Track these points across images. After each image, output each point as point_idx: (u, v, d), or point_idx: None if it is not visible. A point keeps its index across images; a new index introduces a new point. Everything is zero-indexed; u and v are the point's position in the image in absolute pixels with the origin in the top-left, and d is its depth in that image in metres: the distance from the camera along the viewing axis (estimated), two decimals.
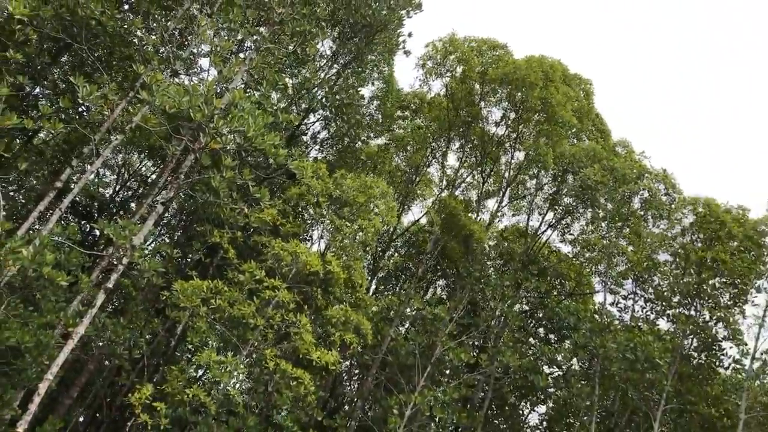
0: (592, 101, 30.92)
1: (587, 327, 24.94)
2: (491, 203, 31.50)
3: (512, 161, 30.06)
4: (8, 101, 12.14)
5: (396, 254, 31.12)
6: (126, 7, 19.75)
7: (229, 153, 14.44)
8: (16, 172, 19.71)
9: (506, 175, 30.00)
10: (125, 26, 17.38)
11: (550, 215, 30.30)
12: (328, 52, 24.60)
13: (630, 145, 30.50)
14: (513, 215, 32.18)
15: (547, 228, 30.40)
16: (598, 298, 30.69)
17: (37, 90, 19.11)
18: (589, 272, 30.55)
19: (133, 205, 25.75)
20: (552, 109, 26.58)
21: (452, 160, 37.10)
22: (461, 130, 29.09)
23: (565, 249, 31.03)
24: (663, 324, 27.17)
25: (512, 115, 28.70)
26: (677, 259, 26.40)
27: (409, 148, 30.00)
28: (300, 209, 20.42)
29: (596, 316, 27.37)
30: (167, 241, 23.21)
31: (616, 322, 27.08)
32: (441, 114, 28.98)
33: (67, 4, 15.85)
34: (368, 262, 28.53)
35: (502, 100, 28.42)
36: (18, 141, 19.71)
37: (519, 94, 26.94)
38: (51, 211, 18.68)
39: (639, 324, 26.96)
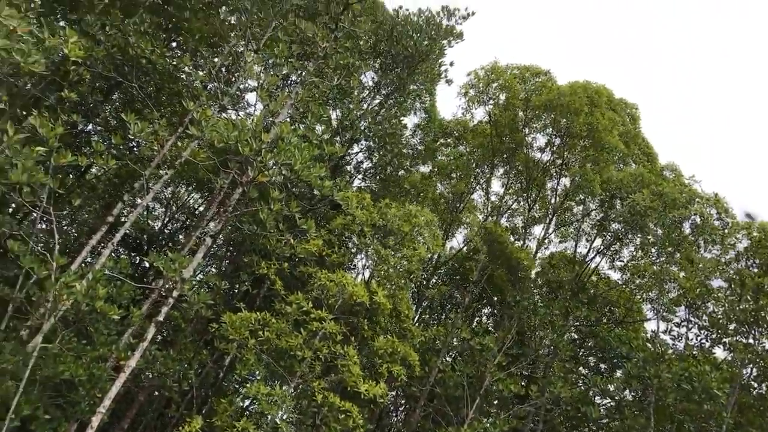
0: (638, 125, 30.47)
1: (640, 356, 24.22)
2: (537, 230, 31.11)
3: (558, 187, 29.74)
4: (62, 139, 12.48)
5: (440, 282, 30.88)
6: (174, 44, 20.35)
7: (275, 185, 14.60)
8: (70, 207, 20.24)
9: (552, 201, 29.64)
10: (174, 63, 17.87)
11: (598, 241, 29.76)
12: (371, 84, 24.85)
13: (678, 169, 29.88)
14: (560, 242, 31.73)
15: (596, 255, 29.85)
16: (650, 326, 29.90)
17: (90, 127, 19.73)
18: (639, 299, 29.80)
19: (181, 237, 26.19)
20: (598, 135, 26.26)
21: (496, 186, 36.96)
22: (505, 156, 28.94)
23: (615, 276, 30.40)
24: (719, 352, 26.28)
25: (557, 141, 28.45)
26: (732, 286, 25.57)
27: (452, 175, 29.94)
28: (344, 239, 20.47)
29: (649, 345, 26.61)
30: (215, 272, 23.49)
31: (670, 350, 26.26)
32: (484, 141, 28.91)
33: (118, 44, 16.39)
34: (413, 291, 28.38)
35: (547, 127, 28.23)
36: (71, 177, 20.33)
37: (563, 120, 26.72)
38: (103, 245, 19.11)
39: (694, 353, 26.08)
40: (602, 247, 29.75)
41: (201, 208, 27.79)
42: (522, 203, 30.49)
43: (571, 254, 30.17)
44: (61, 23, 18.93)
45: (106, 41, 16.23)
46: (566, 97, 25.84)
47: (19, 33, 8.88)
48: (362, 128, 23.73)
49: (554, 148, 28.91)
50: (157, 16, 18.63)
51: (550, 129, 28.41)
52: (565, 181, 29.72)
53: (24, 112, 16.64)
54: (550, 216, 29.62)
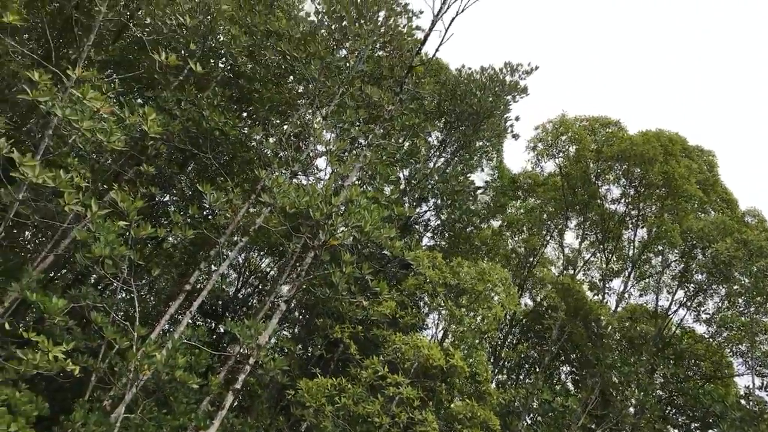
0: (716, 172, 29.41)
1: (737, 415, 22.68)
2: (615, 283, 30.08)
3: (635, 238, 28.80)
4: (141, 211, 12.90)
5: (516, 341, 30.03)
6: (245, 114, 21.06)
7: (347, 248, 14.64)
8: (149, 276, 20.83)
9: (629, 253, 28.68)
10: (245, 133, 18.42)
11: (680, 293, 28.48)
12: (437, 142, 24.97)
13: (761, 214, 28.54)
14: (640, 295, 30.51)
15: (679, 307, 28.50)
16: (743, 381, 28.08)
17: (167, 198, 20.42)
18: (729, 353, 28.15)
19: (254, 301, 26.49)
20: (675, 183, 25.46)
21: (570, 238, 36.15)
22: (578, 209, 28.35)
23: (700, 329, 28.88)
24: None
25: (631, 192, 27.73)
26: None
27: (524, 229, 29.48)
28: (417, 299, 20.23)
29: (743, 402, 24.97)
30: (288, 336, 23.53)
31: None
32: (556, 194, 28.46)
33: (193, 118, 17.03)
34: (488, 351, 27.68)
35: (620, 177, 27.60)
36: (149, 246, 20.97)
37: (637, 170, 26.08)
38: (181, 313, 19.49)
39: None
40: (685, 299, 28.43)
41: (272, 272, 28.13)
42: (598, 256, 29.61)
43: (653, 307, 28.92)
44: (139, 100, 19.91)
45: (181, 115, 16.90)
46: (639, 146, 25.28)
47: (103, 113, 9.27)
48: (430, 187, 23.72)
49: (629, 198, 28.14)
50: (228, 88, 19.36)
51: (624, 179, 27.73)
52: (642, 232, 28.80)
53: (105, 186, 17.41)
54: (628, 268, 28.60)
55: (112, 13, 15.01)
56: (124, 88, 17.98)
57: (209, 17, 15.04)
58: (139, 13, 18.21)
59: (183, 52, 17.67)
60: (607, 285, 29.64)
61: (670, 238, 25.77)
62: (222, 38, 17.66)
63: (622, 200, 28.43)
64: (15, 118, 18.52)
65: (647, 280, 29.94)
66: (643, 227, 28.80)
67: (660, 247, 28.00)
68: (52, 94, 8.96)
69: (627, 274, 28.73)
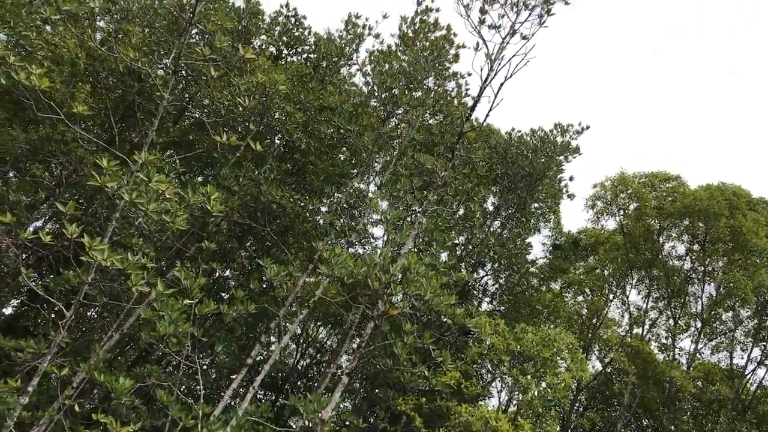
0: None
1: None
2: (685, 343, 28.83)
3: (702, 295, 27.71)
4: (203, 286, 13.07)
5: (585, 407, 28.84)
6: (300, 186, 21.42)
7: (407, 317, 14.44)
8: (211, 351, 20.98)
9: (697, 310, 27.55)
10: (302, 205, 18.69)
11: (756, 351, 27.07)
12: (491, 207, 24.85)
13: None
14: (712, 353, 29.08)
15: (757, 366, 27.02)
16: None
17: (227, 272, 20.71)
18: None
19: (313, 372, 26.29)
20: (742, 238, 24.58)
21: (634, 296, 35.09)
22: (641, 266, 27.55)
23: None
24: None
25: (696, 247, 26.86)
26: None
27: (586, 290, 28.73)
28: (479, 367, 19.74)
29: None
30: (350, 408, 23.17)
31: None
32: (618, 254, 27.78)
33: (251, 193, 17.40)
34: (557, 419, 26.61)
35: (684, 233, 26.83)
36: (211, 320, 21.18)
37: (702, 225, 25.34)
38: (243, 387, 19.45)
39: None
40: (762, 357, 26.97)
41: (330, 342, 27.98)
42: (664, 313, 28.52)
43: (727, 367, 27.50)
44: (199, 178, 20.51)
45: (239, 191, 17.29)
46: (703, 201, 24.64)
47: (167, 195, 9.52)
48: (486, 251, 23.48)
49: (694, 254, 27.24)
50: (284, 161, 19.81)
51: (688, 235, 26.94)
52: (710, 288, 27.71)
53: (167, 263, 17.78)
54: (697, 326, 27.41)
55: (172, 97, 15.61)
56: (184, 167, 18.58)
57: (265, 97, 15.52)
58: (198, 95, 18.97)
59: (240, 129, 18.26)
60: (676, 344, 28.43)
61: (741, 295, 24.68)
62: (278, 115, 18.18)
63: (687, 256, 27.53)
64: (81, 200, 19.29)
65: (719, 338, 28.60)
66: (710, 283, 27.72)
67: (731, 304, 26.81)
68: (119, 179, 9.27)
69: (696, 332, 27.53)
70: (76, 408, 10.61)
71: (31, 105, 10.54)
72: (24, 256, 16.29)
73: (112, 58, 17.02)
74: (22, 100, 11.86)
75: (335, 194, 20.42)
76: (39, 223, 20.02)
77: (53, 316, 17.34)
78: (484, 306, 27.32)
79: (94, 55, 17.45)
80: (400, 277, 13.96)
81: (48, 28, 16.49)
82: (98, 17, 18.15)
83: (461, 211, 22.19)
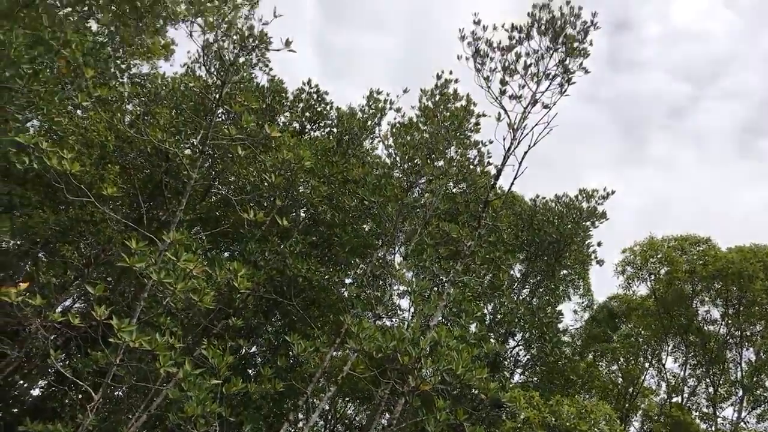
0: None
1: None
2: (729, 412, 27.68)
3: (741, 361, 26.78)
4: (230, 365, 12.90)
5: None
6: (326, 258, 21.39)
7: (438, 392, 14.06)
8: (238, 431, 20.50)
9: (738, 377, 26.56)
10: (327, 277, 18.62)
11: None
12: (518, 275, 24.56)
13: None
14: (757, 422, 27.81)
15: None
16: None
17: (254, 348, 20.50)
18: None
19: None
20: None
21: (670, 363, 34.03)
22: (677, 332, 26.83)
23: None
24: None
25: (731, 311, 26.15)
26: None
27: (620, 358, 27.93)
28: None
29: None
30: None
31: None
32: (651, 320, 27.12)
33: (277, 267, 17.40)
34: None
35: (718, 297, 26.18)
36: (237, 398, 20.82)
37: (736, 288, 24.75)
38: None
39: None
40: None
41: (359, 418, 27.33)
42: (703, 380, 27.53)
43: None
44: (225, 254, 20.59)
45: (265, 265, 17.30)
46: (737, 264, 24.16)
47: (196, 274, 9.51)
48: (516, 320, 23.07)
49: (729, 318, 26.50)
50: (309, 235, 19.86)
51: (722, 299, 26.28)
52: (749, 354, 26.79)
53: (193, 341, 17.65)
54: (738, 394, 26.37)
55: (199, 176, 15.87)
56: (210, 243, 18.69)
57: (290, 172, 15.70)
58: (224, 172, 19.28)
59: (266, 204, 18.42)
60: (718, 413, 27.28)
61: None
62: (302, 189, 18.36)
63: (723, 321, 26.77)
64: (109, 279, 19.42)
65: (764, 405, 27.42)
66: (748, 348, 26.83)
67: None
68: (147, 260, 9.30)
69: (739, 400, 26.45)
70: None
71: (62, 188, 10.73)
72: (52, 337, 16.30)
73: (141, 140, 17.44)
74: (54, 183, 12.11)
75: (360, 266, 20.35)
76: (67, 303, 20.13)
77: (81, 397, 17.20)
78: (516, 377, 26.65)
79: (123, 137, 17.92)
80: (429, 350, 13.68)
81: (78, 112, 17.03)
82: (127, 100, 18.73)
83: (488, 280, 21.92)
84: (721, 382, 27.66)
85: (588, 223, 23.30)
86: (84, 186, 11.26)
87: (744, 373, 26.42)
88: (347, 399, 27.00)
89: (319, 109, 21.62)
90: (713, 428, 25.79)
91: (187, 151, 18.32)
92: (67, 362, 18.27)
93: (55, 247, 18.20)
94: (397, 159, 18.91)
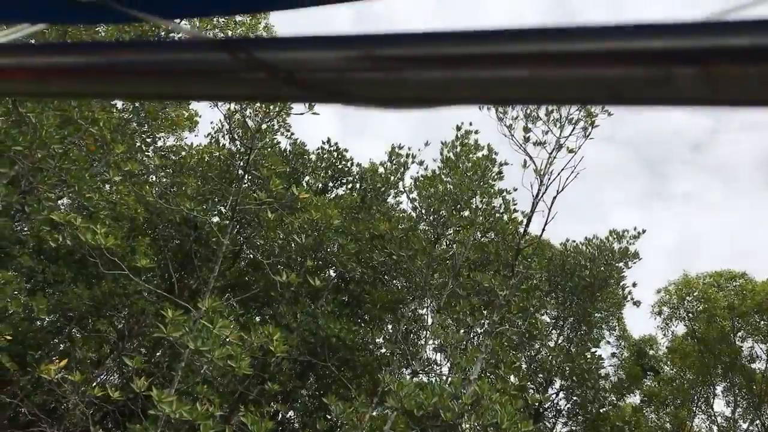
0: None
1: None
2: None
3: None
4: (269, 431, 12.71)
5: None
6: (357, 317, 21.24)
7: None
8: None
9: None
10: (360, 336, 18.44)
11: None
12: (551, 320, 24.15)
13: None
14: None
15: None
16: None
17: (291, 413, 20.21)
18: None
19: None
20: None
21: (719, 406, 32.93)
22: (721, 372, 26.02)
23: None
24: None
25: None
26: None
27: (667, 402, 27.07)
28: None
29: None
30: None
31: None
32: (695, 360, 26.37)
33: (309, 329, 17.30)
34: None
35: (761, 332, 25.44)
36: None
37: None
38: None
39: None
40: None
41: None
42: (755, 422, 26.50)
43: None
44: (257, 318, 20.54)
45: (297, 327, 17.21)
46: None
47: (231, 340, 9.47)
48: (555, 368, 22.57)
49: None
50: (339, 293, 19.79)
51: (765, 334, 25.53)
52: None
53: (230, 408, 17.46)
54: None
55: (229, 242, 15.97)
56: (241, 308, 18.69)
57: (317, 232, 15.77)
58: (253, 236, 19.40)
59: (293, 266, 18.44)
60: None
61: None
62: (329, 249, 18.37)
63: None
64: (144, 350, 19.41)
65: None
66: None
67: None
68: (183, 328, 9.29)
69: None
70: None
71: (96, 262, 10.85)
72: (90, 412, 16.23)
73: (169, 210, 17.69)
74: (87, 258, 12.25)
75: (393, 322, 20.16)
76: (103, 376, 20.11)
77: None
78: (559, 427, 25.91)
79: (152, 208, 18.18)
80: (471, 404, 13.37)
81: (107, 187, 17.39)
82: (154, 173, 19.08)
83: (524, 328, 21.56)
84: None
85: (621, 264, 22.91)
86: (116, 259, 11.38)
87: None
88: None
89: (340, 166, 21.81)
90: None
91: (215, 219, 18.50)
92: None
93: (89, 322, 18.31)
94: (423, 212, 18.93)
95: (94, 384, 15.61)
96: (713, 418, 27.32)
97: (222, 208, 18.83)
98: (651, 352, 28.43)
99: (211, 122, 24.14)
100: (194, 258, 18.94)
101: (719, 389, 27.17)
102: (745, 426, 26.83)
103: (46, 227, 11.77)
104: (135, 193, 17.21)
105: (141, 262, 10.55)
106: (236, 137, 18.20)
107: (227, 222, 12.95)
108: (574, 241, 23.30)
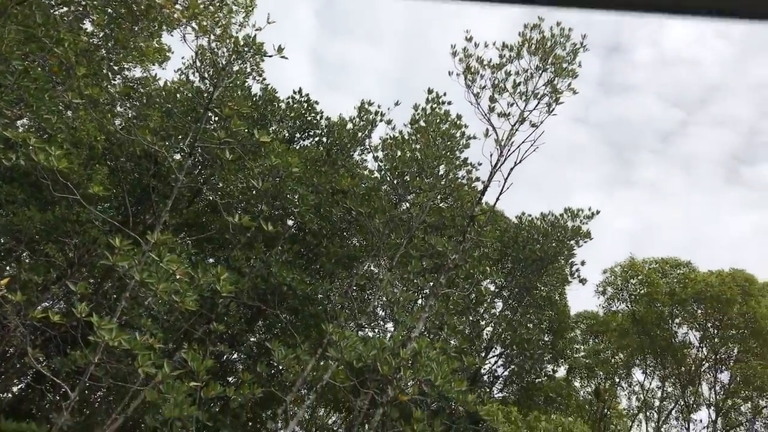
0: None
1: None
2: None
3: (715, 383, 26.99)
4: (209, 369, 12.91)
5: None
6: (311, 268, 21.42)
7: (416, 403, 14.12)
8: None
9: (712, 399, 26.79)
10: (312, 287, 18.63)
11: None
12: (498, 290, 24.66)
13: None
14: None
15: None
16: None
17: (235, 355, 20.45)
18: None
19: None
20: (756, 324, 24.19)
21: (647, 384, 34.22)
22: (653, 353, 27.05)
23: None
24: None
25: (708, 334, 26.44)
26: None
27: (596, 375, 28.07)
28: None
29: None
30: None
31: None
32: (630, 340, 27.31)
33: (262, 275, 17.41)
34: None
35: (696, 319, 26.45)
36: (216, 405, 20.72)
37: (713, 311, 25.05)
38: None
39: None
40: None
41: (339, 430, 27.22)
42: (680, 402, 27.71)
43: None
44: (210, 260, 20.57)
45: (250, 272, 17.30)
46: (715, 287, 24.43)
47: (178, 275, 9.54)
48: (497, 335, 23.17)
49: (707, 341, 26.78)
50: (295, 244, 19.89)
51: (700, 322, 26.56)
52: (724, 377, 27.03)
53: (174, 344, 17.60)
54: (712, 416, 26.56)
55: (187, 180, 15.90)
56: (196, 249, 18.68)
57: (278, 179, 15.77)
58: (212, 177, 19.31)
59: (254, 211, 18.46)
60: None
61: (759, 383, 24.04)
62: (289, 197, 18.40)
63: (702, 343, 27.01)
64: (93, 281, 19.33)
65: (738, 428, 27.63)
66: (723, 371, 27.06)
67: (749, 394, 26.09)
68: (130, 258, 9.33)
69: (712, 422, 26.63)
70: None
71: (49, 185, 10.76)
72: (32, 337, 16.20)
73: (131, 142, 17.46)
74: (41, 180, 12.12)
75: (346, 277, 20.39)
76: (48, 303, 20.01)
77: (58, 398, 17.08)
78: (495, 393, 26.68)
79: (113, 138, 17.92)
80: (410, 361, 13.73)
81: (69, 112, 17.03)
82: (118, 102, 18.75)
83: (472, 296, 22.03)
84: (696, 404, 27.81)
85: (572, 242, 23.46)
86: (71, 185, 11.28)
87: (717, 396, 26.64)
88: (330, 408, 26.92)
89: (308, 118, 21.67)
90: None
91: (177, 156, 18.35)
92: (45, 362, 18.15)
93: (40, 246, 18.13)
94: (387, 174, 19.03)
95: (38, 307, 15.58)
96: (640, 395, 28.40)
97: (184, 145, 18.65)
98: (584, 326, 29.19)
99: (182, 58, 23.73)
100: (152, 194, 18.80)
101: (648, 369, 28.23)
102: (668, 405, 28.02)
103: (0, 145, 11.58)
104: (97, 121, 16.93)
105: (94, 189, 10.47)
106: (206, 76, 17.97)
107: (186, 158, 12.89)
108: (530, 216, 23.75)
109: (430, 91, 18.55)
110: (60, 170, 9.44)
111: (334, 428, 27.17)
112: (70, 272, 17.33)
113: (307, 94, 21.64)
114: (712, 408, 26.88)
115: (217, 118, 18.20)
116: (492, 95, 15.11)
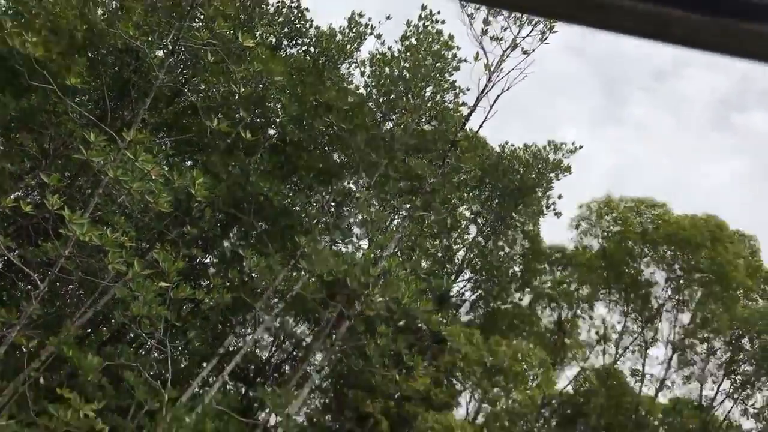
0: (759, 258, 28.44)
1: None
2: (657, 369, 28.87)
3: (676, 323, 27.89)
4: (181, 271, 13.01)
5: (551, 426, 28.87)
6: (290, 181, 21.32)
7: (382, 319, 14.45)
8: (184, 338, 20.80)
9: (671, 337, 27.74)
10: (289, 199, 18.61)
11: (726, 384, 27.23)
12: (474, 216, 24.87)
13: None
14: (683, 383, 29.14)
15: (725, 398, 27.20)
16: None
17: (207, 260, 20.58)
18: None
19: (287, 368, 26.14)
20: (722, 270, 24.80)
21: (609, 318, 35.29)
22: (619, 289, 27.76)
23: (748, 424, 27.37)
24: None
25: (675, 276, 27.11)
26: None
27: (559, 305, 28.76)
28: (451, 376, 19.73)
29: None
30: (318, 406, 23.09)
31: None
32: (597, 276, 27.91)
33: (239, 182, 17.32)
34: None
35: (664, 260, 27.03)
36: (186, 307, 21.01)
37: (682, 254, 25.59)
38: (212, 375, 19.30)
39: None
40: (731, 390, 27.15)
41: (308, 339, 27.84)
42: (638, 338, 28.67)
43: (697, 399, 27.61)
44: (188, 163, 20.37)
45: (227, 179, 17.19)
46: (687, 231, 24.86)
47: (152, 175, 9.46)
48: (468, 260, 23.53)
49: (672, 282, 27.48)
50: (275, 154, 19.70)
51: (668, 263, 27.14)
52: (684, 317, 27.89)
53: (147, 246, 17.64)
54: (669, 355, 27.59)
55: (168, 79, 15.50)
56: (175, 151, 18.43)
57: (261, 86, 15.46)
58: (194, 79, 18.85)
59: (235, 117, 18.15)
60: (647, 370, 28.52)
61: (717, 326, 24.89)
62: (272, 106, 18.10)
63: (667, 284, 27.71)
64: (67, 174, 19.09)
65: (691, 367, 28.76)
66: (684, 312, 27.91)
67: (705, 335, 27.04)
68: (105, 154, 9.21)
69: (668, 359, 27.66)
70: (42, 381, 10.51)
71: (24, 73, 10.46)
72: (4, 225, 16.12)
73: (112, 34, 16.87)
74: (16, 67, 11.76)
75: (324, 192, 20.36)
76: (21, 193, 19.79)
77: (28, 287, 17.16)
78: (462, 317, 27.31)
79: (94, 29, 17.28)
80: (379, 279, 13.98)
81: None
82: None
83: (447, 220, 22.22)
84: (654, 341, 28.75)
85: (552, 174, 23.56)
86: (49, 74, 10.97)
87: (676, 335, 27.58)
88: (300, 318, 27.40)
89: (297, 25, 21.03)
90: (641, 383, 26.98)
91: (159, 53, 17.83)
92: (16, 252, 18.14)
93: (14, 134, 17.76)
94: (373, 91, 18.74)
95: (11, 196, 15.41)
96: (601, 327, 29.22)
97: (167, 42, 18.10)
98: (553, 259, 29.64)
99: None
100: (132, 89, 18.34)
101: (612, 305, 28.99)
102: (627, 339, 28.94)
103: None
104: (78, 10, 16.29)
105: (72, 81, 10.20)
106: None
107: (168, 56, 12.55)
108: (513, 145, 23.69)
109: (423, 8, 18.06)
110: (37, 58, 9.15)
111: (302, 338, 27.78)
112: (44, 163, 17.07)
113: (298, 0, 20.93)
114: (670, 346, 27.84)
115: (203, 17, 17.63)
116: (486, 17, 14.78)
